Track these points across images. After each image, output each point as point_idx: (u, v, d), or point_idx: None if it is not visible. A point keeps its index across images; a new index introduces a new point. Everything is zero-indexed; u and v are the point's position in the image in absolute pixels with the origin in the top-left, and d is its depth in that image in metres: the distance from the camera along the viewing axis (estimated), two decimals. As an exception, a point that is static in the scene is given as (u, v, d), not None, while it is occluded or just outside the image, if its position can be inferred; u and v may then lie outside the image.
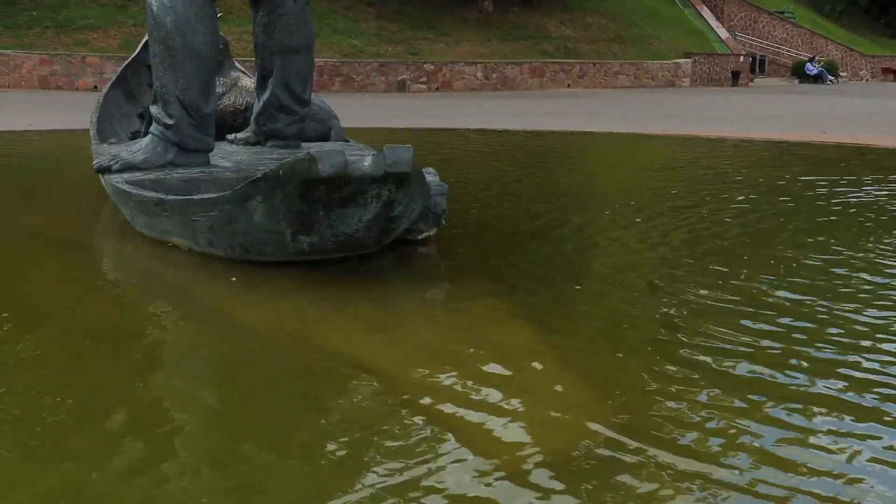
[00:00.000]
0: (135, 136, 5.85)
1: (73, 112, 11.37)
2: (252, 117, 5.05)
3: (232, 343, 2.99)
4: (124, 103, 6.38)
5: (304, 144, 5.02)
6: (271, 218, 3.45)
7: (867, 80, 41.67)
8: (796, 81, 37.81)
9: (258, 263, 3.66)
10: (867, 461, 2.03)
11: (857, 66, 43.05)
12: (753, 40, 41.20)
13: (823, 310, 3.27)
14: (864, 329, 3.02)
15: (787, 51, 41.84)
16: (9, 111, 12.92)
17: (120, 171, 4.37)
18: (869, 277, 3.78)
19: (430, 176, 4.19)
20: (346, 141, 5.67)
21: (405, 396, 2.39)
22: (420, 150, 7.44)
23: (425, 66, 25.28)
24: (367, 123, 11.16)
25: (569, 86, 28.38)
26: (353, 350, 2.82)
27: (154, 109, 4.39)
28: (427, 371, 2.58)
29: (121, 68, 6.68)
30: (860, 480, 1.91)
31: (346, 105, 13.22)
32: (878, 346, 2.86)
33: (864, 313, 3.22)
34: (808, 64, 38.60)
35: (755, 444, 2.09)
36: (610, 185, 7.44)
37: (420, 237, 4.24)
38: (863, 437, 2.17)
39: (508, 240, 4.53)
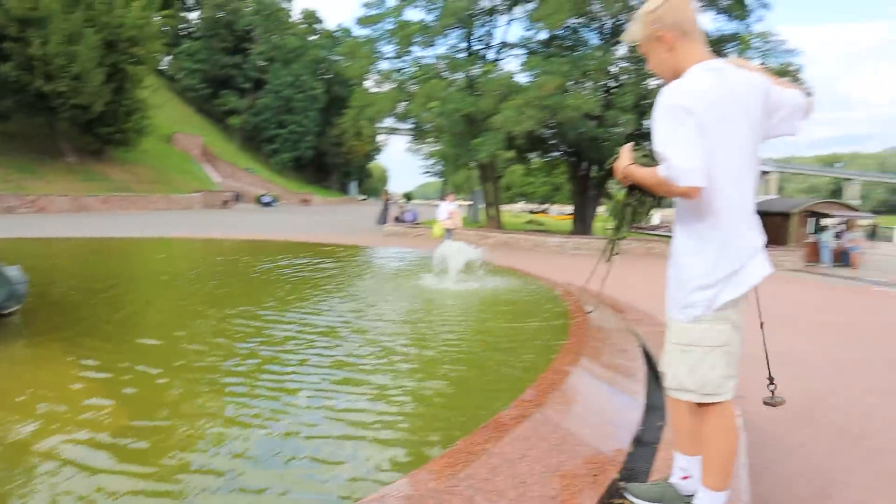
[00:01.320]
0: None
1: None
2: None
3: None
4: None
5: None
6: None
7: (293, 205, 43.94)
8: (260, 205, 38.33)
9: None
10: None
11: (289, 198, 45.95)
12: (235, 183, 41.21)
13: (222, 343, 3.12)
14: (245, 353, 2.97)
15: (253, 189, 42.58)
16: None
17: None
18: (253, 322, 3.68)
19: (14, 271, 3.69)
20: (-54, 256, 4.55)
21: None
22: (12, 254, 6.14)
23: (28, 196, 20.94)
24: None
25: (126, 209, 25.17)
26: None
27: None
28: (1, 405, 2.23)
29: None
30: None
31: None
32: (254, 362, 2.84)
33: (245, 343, 3.15)
34: (264, 196, 39.77)
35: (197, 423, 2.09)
36: (144, 268, 6.92)
37: (7, 312, 3.72)
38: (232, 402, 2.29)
39: (74, 308, 4.16)
